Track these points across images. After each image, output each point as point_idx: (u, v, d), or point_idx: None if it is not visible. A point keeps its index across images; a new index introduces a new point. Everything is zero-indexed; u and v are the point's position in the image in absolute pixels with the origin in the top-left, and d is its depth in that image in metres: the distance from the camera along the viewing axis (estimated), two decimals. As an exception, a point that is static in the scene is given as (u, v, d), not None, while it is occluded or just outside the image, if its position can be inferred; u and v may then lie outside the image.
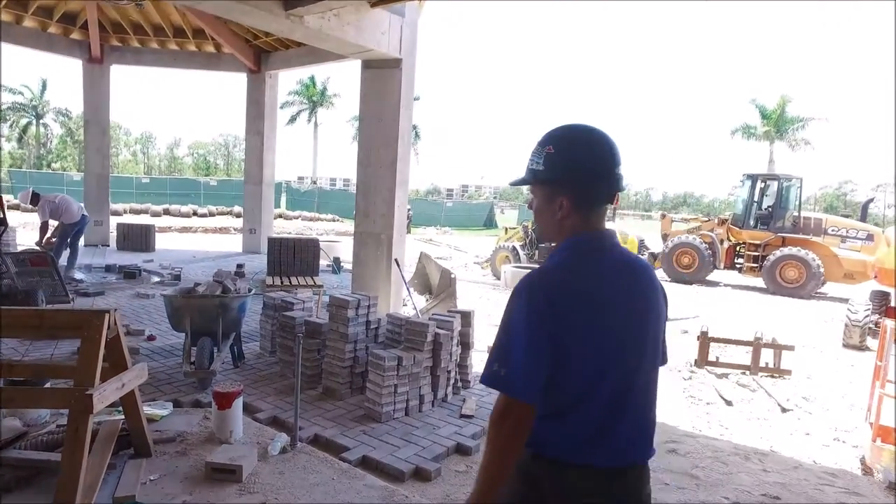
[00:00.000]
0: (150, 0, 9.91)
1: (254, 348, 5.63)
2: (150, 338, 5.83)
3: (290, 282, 9.35)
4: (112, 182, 32.58)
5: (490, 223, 36.36)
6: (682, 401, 5.49)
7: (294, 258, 9.97)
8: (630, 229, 12.72)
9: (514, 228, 16.34)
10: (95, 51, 12.16)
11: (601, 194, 1.44)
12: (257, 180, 13.37)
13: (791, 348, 6.52)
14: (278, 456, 3.36)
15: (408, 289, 7.67)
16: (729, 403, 5.45)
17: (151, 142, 70.67)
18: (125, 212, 26.31)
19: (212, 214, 28.42)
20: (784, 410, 5.33)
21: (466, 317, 4.81)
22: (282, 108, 48.27)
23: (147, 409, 3.95)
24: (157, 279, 9.37)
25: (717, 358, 6.75)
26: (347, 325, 4.39)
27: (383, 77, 7.03)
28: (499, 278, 13.06)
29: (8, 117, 51.42)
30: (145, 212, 27.06)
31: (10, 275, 6.26)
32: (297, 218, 30.06)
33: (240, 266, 10.35)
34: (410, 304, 7.83)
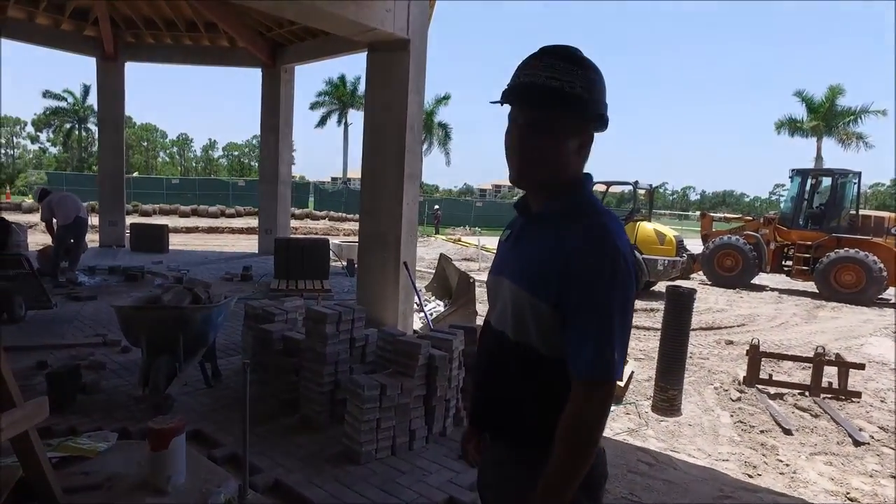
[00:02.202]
0: None
1: (235, 364, 5.00)
2: (126, 349, 5.25)
3: (297, 286, 8.77)
4: (144, 183, 33.37)
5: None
6: (730, 428, 4.65)
7: (303, 260, 9.38)
8: (669, 229, 11.77)
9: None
10: (109, 48, 11.81)
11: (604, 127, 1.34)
12: (272, 179, 12.82)
13: (861, 367, 5.58)
14: (220, 513, 2.68)
15: (418, 296, 6.97)
16: (788, 432, 4.59)
17: (188, 144, 71.83)
18: (154, 212, 26.43)
19: (239, 215, 28.38)
20: (857, 443, 4.44)
21: (471, 333, 4.05)
22: (311, 108, 48.30)
23: (84, 442, 3.35)
24: (159, 282, 8.90)
25: (770, 375, 5.84)
26: (325, 342, 3.70)
27: (390, 61, 6.33)
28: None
29: (53, 122, 52.88)
30: (174, 212, 27.14)
31: (-16, 279, 5.81)
32: (324, 218, 29.81)
33: (246, 268, 9.84)
34: (423, 314, 7.14)
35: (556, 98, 1.24)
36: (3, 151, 58.58)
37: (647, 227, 11.46)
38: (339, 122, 49.79)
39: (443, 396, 3.66)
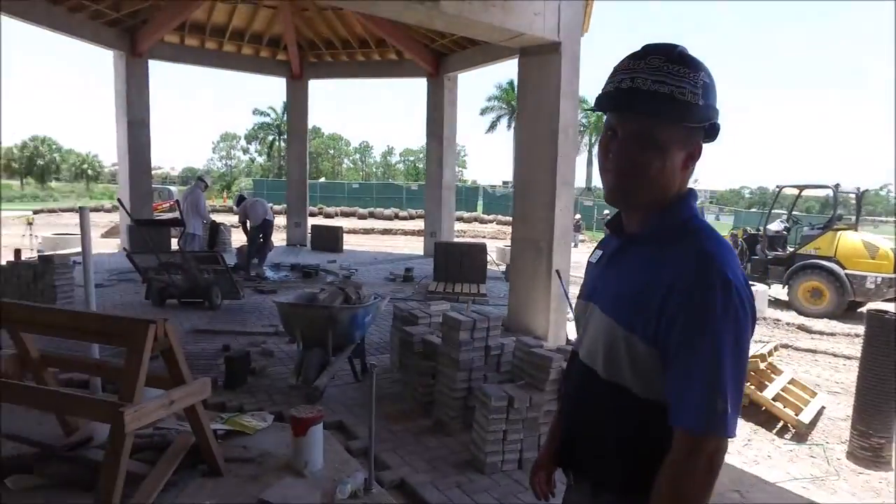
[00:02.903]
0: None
1: (385, 361, 5.28)
2: (292, 341, 5.81)
3: (454, 289, 9.03)
4: (328, 188, 36.68)
5: (696, 230, 32.68)
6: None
7: (461, 264, 9.64)
8: (883, 240, 10.02)
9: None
10: (296, 68, 13.29)
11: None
12: (437, 183, 13.36)
13: None
14: (346, 501, 2.83)
15: (570, 306, 6.77)
16: None
17: (368, 151, 77.82)
18: (336, 214, 29.06)
19: (411, 217, 29.99)
20: None
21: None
22: (481, 114, 49.51)
23: (247, 420, 3.77)
24: (330, 279, 9.75)
25: None
26: (459, 349, 3.74)
27: (540, 64, 6.24)
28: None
29: (259, 136, 60.82)
30: (353, 214, 29.59)
31: (192, 272, 6.83)
32: (492, 221, 30.32)
33: (408, 270, 10.35)
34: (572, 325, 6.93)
35: (665, 105, 1.08)
36: (224, 163, 68.63)
37: (851, 238, 9.89)
38: (509, 126, 50.41)
39: (575, 413, 3.50)
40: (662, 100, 1.08)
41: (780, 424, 5.04)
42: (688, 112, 1.09)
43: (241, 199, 10.15)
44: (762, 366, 5.83)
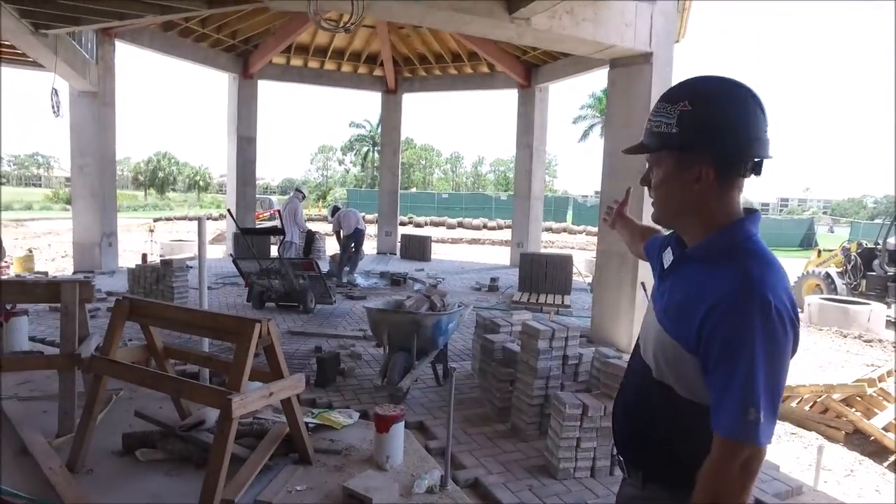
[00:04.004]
0: (359, 26, 10.77)
1: (467, 368, 5.44)
2: (379, 344, 6.11)
3: (538, 299, 9.05)
4: (419, 198, 37.56)
5: (808, 243, 30.43)
6: None
7: (545, 274, 9.64)
8: None
9: (831, 251, 13.22)
10: (391, 83, 13.87)
11: (748, 162, 1.21)
12: (526, 194, 13.42)
13: None
14: (422, 495, 3.01)
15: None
16: None
17: (459, 161, 78.85)
18: (426, 224, 29.73)
19: (500, 227, 30.08)
20: None
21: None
22: (574, 123, 48.88)
23: (335, 416, 4.05)
24: (418, 286, 10.07)
25: None
26: (538, 357, 3.83)
27: (630, 75, 6.21)
28: (801, 311, 10.57)
29: (354, 147, 63.42)
30: (442, 224, 30.13)
31: (289, 278, 7.34)
32: (581, 232, 29.85)
33: (494, 280, 10.48)
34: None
35: (654, 142, 1.26)
36: (320, 173, 72.16)
37: None
38: (602, 135, 49.38)
39: (653, 426, 3.48)
40: (650, 137, 1.27)
41: (892, 457, 4.69)
42: (667, 140, 1.23)
43: (335, 210, 10.74)
44: (870, 391, 5.43)
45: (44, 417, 3.71)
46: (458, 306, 5.00)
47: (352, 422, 3.95)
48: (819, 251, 13.66)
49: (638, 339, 1.51)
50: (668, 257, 1.42)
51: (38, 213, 35.10)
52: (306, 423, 3.70)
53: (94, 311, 6.47)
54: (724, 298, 1.14)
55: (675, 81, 5.24)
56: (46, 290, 3.85)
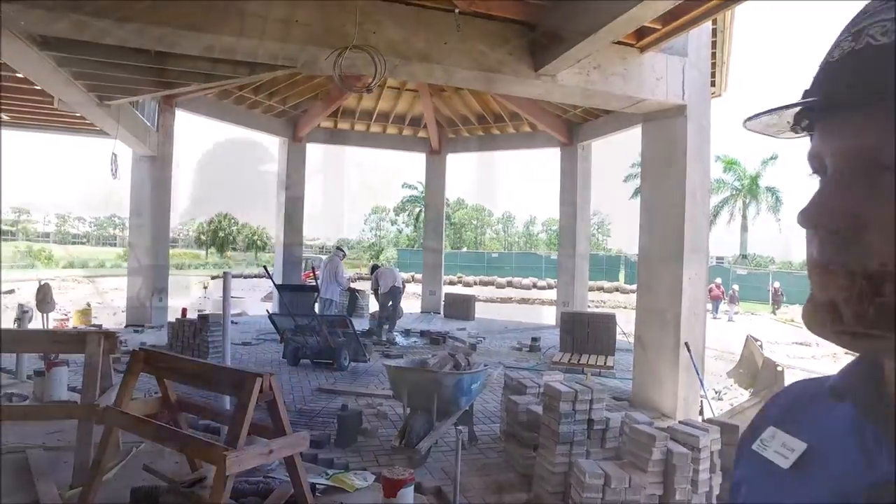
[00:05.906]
0: (378, 89, 11.01)
1: (495, 431, 5.19)
2: (407, 404, 5.95)
3: (580, 360, 8.69)
4: (468, 257, 37.63)
5: None
6: None
7: (588, 335, 9.30)
8: None
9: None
10: (434, 144, 14.17)
11: None
12: (570, 252, 13.17)
13: None
14: (427, 571, 2.79)
15: (701, 382, 6.22)
16: None
17: (511, 221, 79.15)
18: (475, 283, 29.61)
19: (549, 287, 29.59)
20: None
21: (731, 431, 3.44)
22: (624, 181, 48.45)
23: (350, 478, 3.89)
24: (458, 345, 9.89)
25: None
26: (559, 420, 3.59)
27: (664, 128, 6.09)
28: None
29: (406, 207, 64.91)
30: (492, 283, 29.95)
31: (323, 335, 7.34)
32: (632, 292, 28.99)
33: (535, 339, 10.19)
34: (706, 403, 6.33)
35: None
36: (374, 233, 73.93)
37: None
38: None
39: (686, 501, 3.16)
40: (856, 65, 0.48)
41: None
42: None
43: (374, 268, 10.83)
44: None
45: (64, 468, 3.72)
46: (484, 366, 4.82)
47: (366, 484, 3.78)
48: None
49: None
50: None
51: (108, 271, 37.14)
52: (318, 484, 3.57)
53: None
54: None
55: (714, 133, 5.05)
56: (74, 340, 3.94)
